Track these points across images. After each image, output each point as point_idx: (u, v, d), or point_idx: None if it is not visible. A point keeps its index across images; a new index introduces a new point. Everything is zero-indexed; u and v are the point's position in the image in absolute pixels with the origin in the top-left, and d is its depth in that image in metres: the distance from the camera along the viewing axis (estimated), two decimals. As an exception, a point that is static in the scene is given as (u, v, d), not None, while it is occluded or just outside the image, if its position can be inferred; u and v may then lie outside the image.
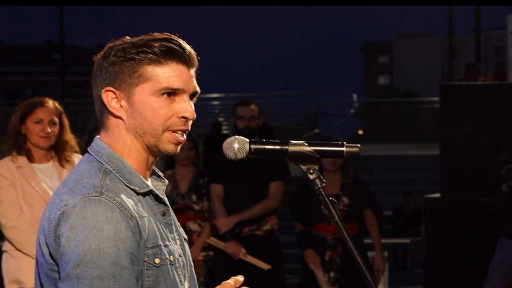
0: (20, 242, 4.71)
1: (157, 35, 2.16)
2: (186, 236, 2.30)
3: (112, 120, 2.16)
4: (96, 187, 2.04)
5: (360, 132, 29.63)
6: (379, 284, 6.79)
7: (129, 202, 2.06)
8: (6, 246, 4.82)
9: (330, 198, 2.19)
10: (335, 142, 2.24)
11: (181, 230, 2.28)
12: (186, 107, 2.14)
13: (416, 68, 61.46)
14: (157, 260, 2.07)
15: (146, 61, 2.12)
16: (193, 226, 6.47)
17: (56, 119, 4.84)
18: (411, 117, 24.76)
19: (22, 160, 4.79)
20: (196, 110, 2.19)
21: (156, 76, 2.12)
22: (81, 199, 2.02)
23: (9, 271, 4.76)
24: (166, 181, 2.28)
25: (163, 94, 2.12)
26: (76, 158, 4.90)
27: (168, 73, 2.12)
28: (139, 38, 2.16)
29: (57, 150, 4.87)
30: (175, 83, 2.13)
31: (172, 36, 2.16)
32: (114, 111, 2.14)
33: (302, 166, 2.22)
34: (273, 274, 6.24)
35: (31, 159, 4.81)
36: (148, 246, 2.06)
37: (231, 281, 2.26)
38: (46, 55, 60.35)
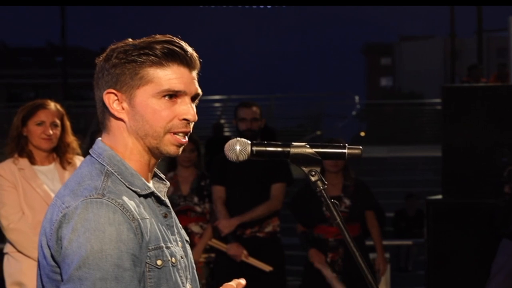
0: (21, 244, 4.71)
1: (159, 37, 2.16)
2: (187, 238, 2.30)
3: (113, 122, 2.16)
4: (97, 189, 2.04)
5: (362, 134, 29.63)
6: (380, 285, 6.79)
7: (131, 204, 2.06)
8: (7, 248, 4.81)
9: (332, 200, 2.19)
10: (337, 144, 2.24)
11: (182, 232, 2.28)
12: (188, 109, 2.14)
13: (418, 69, 61.42)
14: (159, 262, 2.08)
15: (147, 63, 2.12)
16: (195, 228, 6.47)
17: (58, 121, 4.84)
18: (413, 118, 24.74)
19: (24, 162, 4.79)
20: (197, 112, 2.19)
21: (158, 78, 2.12)
22: (83, 201, 2.02)
23: (11, 273, 4.76)
24: (168, 183, 2.28)
25: (164, 96, 2.12)
26: (78, 160, 4.90)
27: (169, 75, 2.12)
28: (141, 40, 2.16)
29: (59, 152, 4.87)
30: (177, 85, 2.13)
31: (174, 38, 2.17)
32: (116, 113, 2.14)
33: (304, 168, 2.22)
34: (274, 276, 6.24)
35: (32, 161, 4.81)
36: (150, 248, 2.06)
37: (233, 283, 2.26)
38: (48, 57, 60.35)
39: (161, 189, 2.25)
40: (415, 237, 12.02)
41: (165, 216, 2.19)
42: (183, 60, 2.14)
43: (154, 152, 2.16)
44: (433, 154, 14.92)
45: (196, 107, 2.19)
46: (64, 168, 4.86)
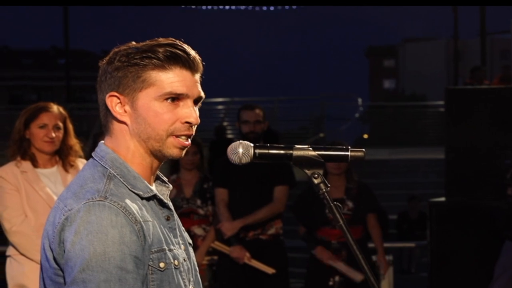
0: (24, 247, 4.71)
1: (162, 40, 2.16)
2: (190, 241, 2.30)
3: (116, 125, 2.16)
4: (100, 192, 2.05)
5: (365, 136, 29.61)
6: (382, 285, 6.78)
7: (133, 206, 2.06)
8: (10, 251, 4.81)
9: (335, 202, 2.19)
10: (340, 147, 2.24)
11: (185, 234, 2.28)
12: (190, 112, 2.14)
13: (421, 71, 61.45)
14: (161, 264, 2.08)
15: (150, 66, 2.12)
16: (198, 230, 6.47)
17: (61, 124, 4.84)
18: (416, 121, 24.74)
19: (26, 165, 4.79)
20: (200, 114, 2.19)
21: (160, 81, 2.12)
22: (85, 203, 2.02)
23: (13, 275, 4.76)
24: (170, 186, 2.28)
25: (166, 99, 2.12)
26: (80, 163, 4.90)
27: (172, 78, 2.12)
28: (144, 43, 2.16)
29: (62, 155, 4.87)
30: (179, 88, 2.13)
31: (177, 41, 2.17)
32: (118, 116, 2.14)
33: (306, 171, 2.22)
34: (277, 278, 6.23)
35: (35, 164, 4.81)
36: (152, 250, 2.06)
37: None
38: (50, 59, 60.47)
39: (163, 192, 2.25)
40: (418, 239, 12.03)
41: (168, 219, 2.19)
42: (186, 63, 2.14)
43: (157, 155, 2.16)
44: (436, 156, 14.91)
45: (199, 109, 2.19)
46: (66, 170, 4.86)
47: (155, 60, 2.11)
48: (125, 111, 2.14)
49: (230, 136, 18.39)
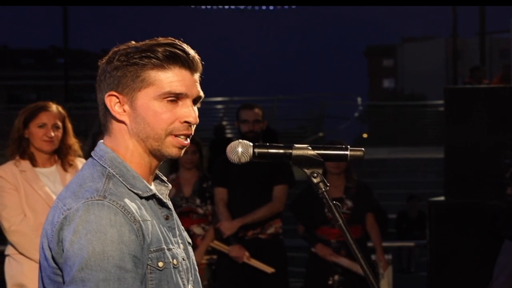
0: (23, 246, 4.70)
1: (161, 40, 2.16)
2: (190, 240, 2.30)
3: (115, 124, 2.16)
4: (99, 191, 2.05)
5: (365, 135, 29.62)
6: (382, 286, 6.78)
7: (132, 206, 2.06)
8: (9, 250, 4.81)
9: (334, 202, 2.19)
10: (339, 146, 2.24)
11: (185, 234, 2.28)
12: (189, 112, 2.14)
13: (420, 71, 61.44)
14: (160, 264, 2.08)
15: (149, 66, 2.12)
16: (197, 229, 6.47)
17: (60, 123, 4.84)
18: (415, 120, 24.74)
19: (25, 164, 4.79)
20: (199, 113, 2.19)
21: (159, 80, 2.12)
22: (84, 203, 2.02)
23: (12, 275, 4.76)
24: (170, 185, 2.28)
25: (166, 98, 2.12)
26: (79, 162, 4.90)
27: (171, 78, 2.12)
28: (143, 43, 2.16)
29: (60, 154, 4.87)
30: (178, 88, 2.13)
31: (176, 41, 2.16)
32: (117, 116, 2.14)
33: (306, 170, 2.22)
34: (277, 278, 6.23)
35: (34, 163, 4.81)
36: (151, 249, 2.06)
37: None
38: (49, 59, 60.44)
39: (162, 191, 2.25)
40: (417, 238, 12.02)
41: (167, 218, 2.19)
42: (185, 62, 2.14)
43: (156, 155, 2.16)
44: (435, 155, 14.92)
45: (198, 109, 2.19)
46: (65, 170, 4.86)
47: (154, 60, 2.11)
48: (124, 111, 2.14)
49: (229, 135, 18.39)
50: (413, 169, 16.97)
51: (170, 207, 2.22)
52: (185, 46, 2.16)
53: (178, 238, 2.21)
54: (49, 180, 4.81)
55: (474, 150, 6.96)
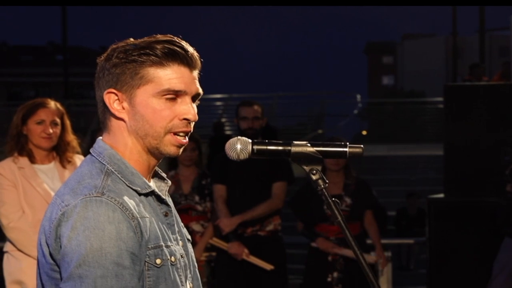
0: (21, 243, 4.70)
1: (159, 37, 2.16)
2: (189, 237, 2.30)
3: (114, 121, 2.16)
4: (97, 188, 2.04)
5: (364, 132, 29.61)
6: (381, 283, 6.78)
7: (131, 202, 2.05)
8: (7, 247, 4.81)
9: (333, 199, 2.19)
10: (338, 143, 2.24)
11: (184, 230, 2.28)
12: (188, 109, 2.14)
13: (420, 68, 61.45)
14: (158, 261, 2.07)
15: (148, 63, 2.11)
16: (196, 226, 6.47)
17: (58, 120, 4.83)
18: (415, 117, 24.73)
19: (24, 161, 4.79)
20: (198, 110, 2.18)
21: (158, 78, 2.11)
22: (82, 199, 2.02)
23: (11, 271, 4.76)
24: (169, 182, 2.28)
25: (165, 96, 2.12)
26: (78, 159, 4.89)
27: (169, 75, 2.12)
28: (142, 40, 2.16)
29: (59, 151, 4.87)
30: (177, 85, 2.12)
31: (175, 38, 2.16)
32: (116, 113, 2.14)
33: (305, 167, 2.21)
34: (276, 275, 6.23)
35: (32, 160, 4.81)
36: (149, 246, 2.06)
37: None
38: (48, 56, 60.41)
39: (162, 187, 2.25)
40: (416, 235, 12.00)
41: (166, 215, 2.19)
42: (184, 60, 2.14)
43: (154, 153, 2.16)
44: (435, 152, 14.93)
45: (197, 106, 2.19)
46: (64, 167, 4.85)
47: (153, 57, 2.11)
48: (123, 108, 2.14)
49: (228, 132, 18.38)
50: (412, 166, 16.97)
51: (169, 203, 2.21)
52: (183, 43, 2.16)
53: (177, 234, 2.21)
54: (48, 177, 4.81)
55: (474, 147, 6.96)
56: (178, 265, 2.15)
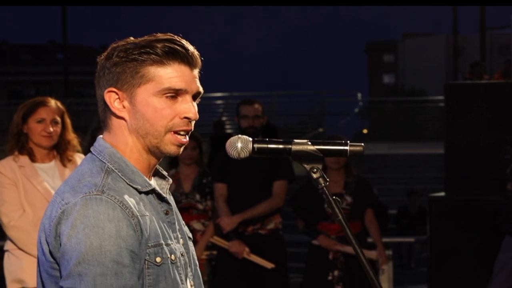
0: (22, 241, 4.70)
1: (160, 35, 2.15)
2: (190, 235, 2.30)
3: (114, 120, 2.16)
4: (97, 186, 2.04)
5: (365, 131, 29.61)
6: (382, 282, 6.78)
7: (131, 201, 2.05)
8: (8, 245, 4.81)
9: (334, 197, 2.19)
10: (339, 141, 2.23)
11: (185, 228, 2.28)
12: (189, 108, 2.14)
13: (421, 67, 61.41)
14: (158, 259, 2.07)
15: (148, 62, 2.11)
16: (197, 225, 6.47)
17: (59, 119, 4.83)
18: (416, 116, 24.74)
19: (24, 159, 4.79)
20: (199, 109, 2.18)
21: (159, 76, 2.11)
22: (82, 197, 2.02)
23: (11, 270, 4.76)
24: (170, 180, 2.28)
25: (165, 94, 2.12)
26: (78, 157, 4.89)
27: (170, 74, 2.12)
28: (142, 39, 2.15)
29: (59, 150, 4.86)
30: (178, 84, 2.12)
31: (175, 36, 2.16)
32: (117, 112, 2.14)
33: (305, 165, 2.21)
34: (276, 273, 6.23)
35: (33, 158, 4.80)
36: (149, 245, 2.06)
37: None
38: (49, 54, 60.42)
39: (163, 186, 2.25)
40: (417, 234, 12.01)
41: (167, 213, 2.19)
42: (184, 58, 2.13)
43: (154, 152, 2.16)
44: (436, 151, 14.93)
45: (198, 104, 2.19)
46: (64, 165, 4.85)
47: (153, 56, 2.11)
48: (124, 107, 2.13)
49: (229, 131, 18.38)
50: (413, 164, 16.98)
51: (170, 202, 2.21)
52: (184, 41, 2.15)
53: (178, 233, 2.21)
54: (48, 176, 4.81)
55: (475, 145, 6.95)
56: (178, 264, 2.14)
